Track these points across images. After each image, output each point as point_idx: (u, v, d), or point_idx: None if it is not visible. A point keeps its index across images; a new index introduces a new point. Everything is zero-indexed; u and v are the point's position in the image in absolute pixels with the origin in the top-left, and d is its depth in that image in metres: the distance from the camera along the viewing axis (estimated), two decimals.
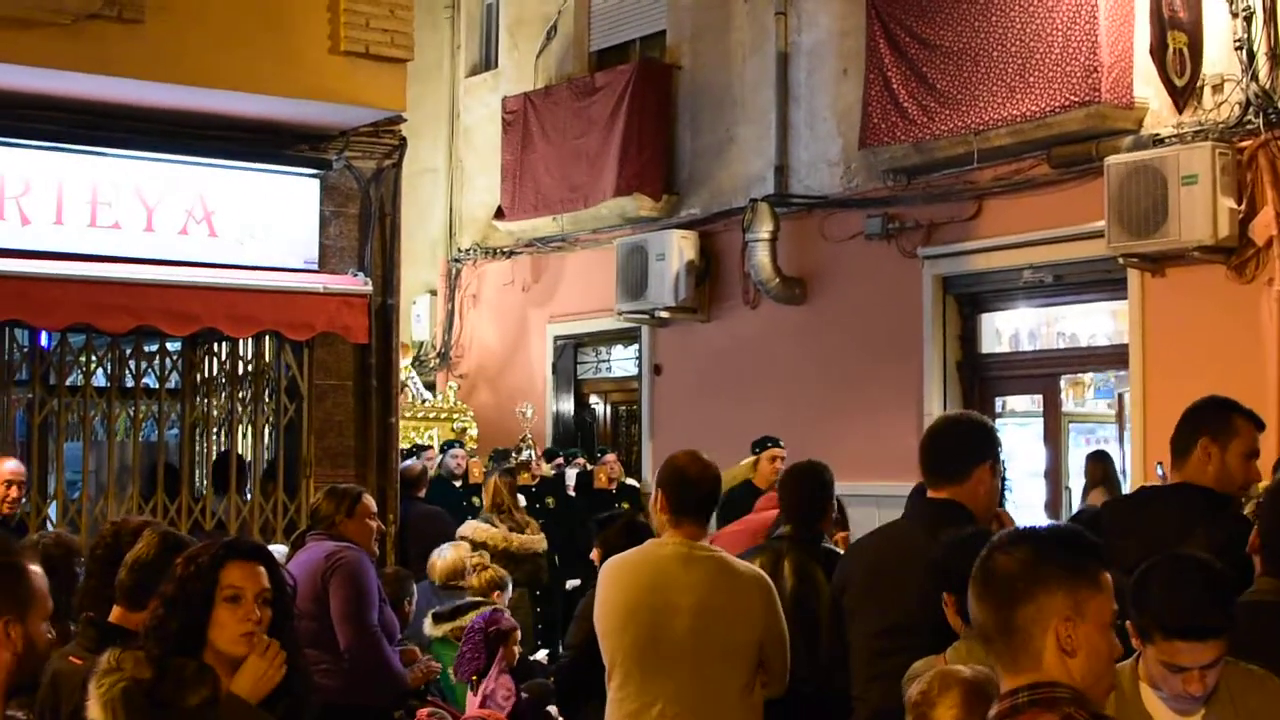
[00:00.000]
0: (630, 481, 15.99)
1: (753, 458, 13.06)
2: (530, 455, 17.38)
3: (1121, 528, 5.73)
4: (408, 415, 19.30)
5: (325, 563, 8.27)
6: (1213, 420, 6.06)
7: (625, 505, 14.93)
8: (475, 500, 15.64)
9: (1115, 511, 6.38)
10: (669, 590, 6.24)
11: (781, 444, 13.35)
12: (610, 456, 16.70)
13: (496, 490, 13.93)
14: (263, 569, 5.07)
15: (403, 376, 20.02)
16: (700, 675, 6.19)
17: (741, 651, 6.23)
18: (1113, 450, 14.72)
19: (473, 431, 19.74)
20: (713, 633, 6.20)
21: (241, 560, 5.04)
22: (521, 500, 14.95)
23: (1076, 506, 14.11)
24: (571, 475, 16.60)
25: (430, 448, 17.79)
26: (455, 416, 19.98)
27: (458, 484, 16.38)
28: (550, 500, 15.70)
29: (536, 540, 13.80)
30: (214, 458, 12.99)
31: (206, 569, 5.00)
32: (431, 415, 19.84)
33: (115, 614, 5.53)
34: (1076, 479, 15.13)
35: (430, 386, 20.71)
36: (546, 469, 16.68)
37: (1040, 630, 3.54)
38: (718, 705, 6.22)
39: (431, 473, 16.23)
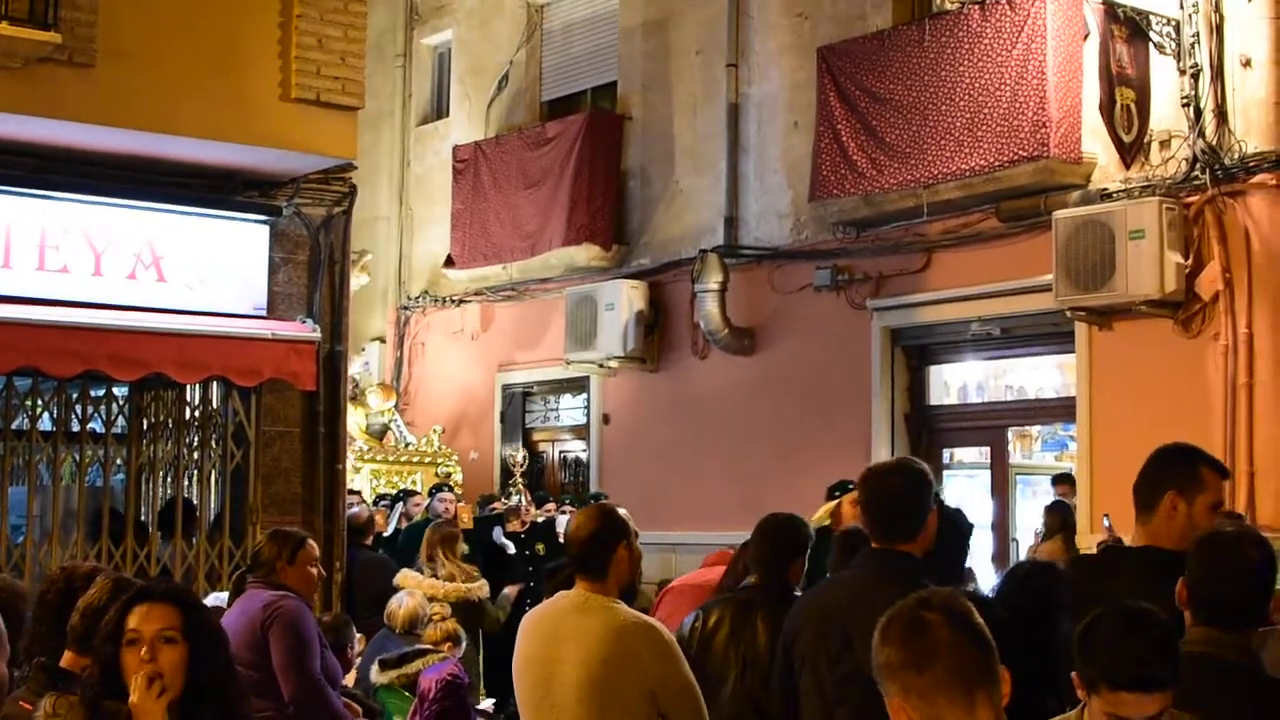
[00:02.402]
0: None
1: (832, 503, 12.25)
2: (520, 501, 17.22)
3: (1089, 592, 5.66)
4: (391, 460, 19.28)
5: (263, 613, 8.17)
6: (1179, 474, 5.99)
7: None
8: (464, 547, 15.44)
9: (1081, 572, 6.31)
10: (561, 641, 6.19)
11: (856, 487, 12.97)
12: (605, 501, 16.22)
13: (429, 543, 13.82)
14: (170, 608, 5.05)
15: (385, 420, 19.92)
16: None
17: (630, 703, 6.16)
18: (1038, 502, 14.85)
19: (457, 476, 19.47)
20: (600, 683, 6.11)
21: (145, 603, 5.04)
22: (511, 547, 15.05)
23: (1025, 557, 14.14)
24: (562, 521, 16.44)
25: (417, 493, 17.52)
26: (440, 460, 19.73)
27: None
28: (540, 547, 15.53)
29: (476, 588, 13.64)
30: (161, 503, 12.91)
31: (116, 615, 5.01)
32: (415, 459, 19.61)
33: (66, 659, 5.50)
34: (1024, 531, 15.19)
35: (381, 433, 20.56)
36: (536, 514, 16.54)
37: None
38: None
39: (419, 517, 16.05)
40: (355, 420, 19.58)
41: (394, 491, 17.90)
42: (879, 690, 5.18)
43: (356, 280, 19.70)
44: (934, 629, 3.74)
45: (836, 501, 11.99)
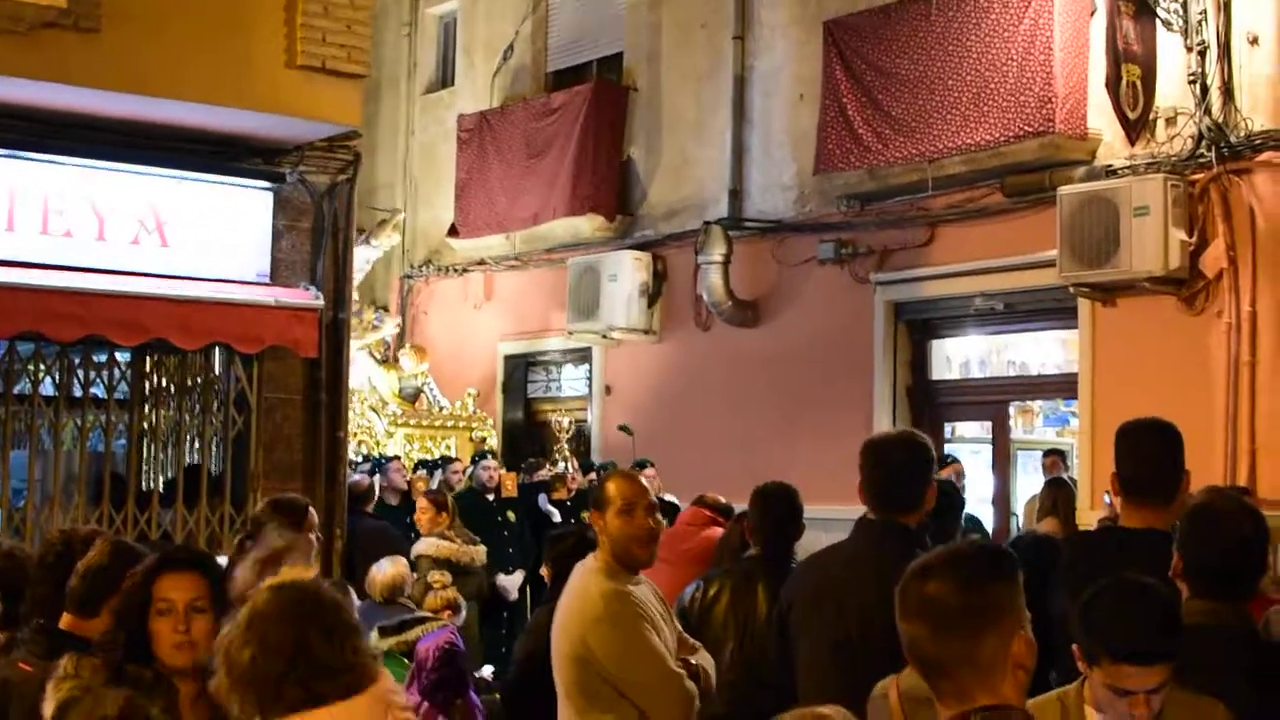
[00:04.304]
0: (669, 497, 15.38)
1: None
2: (566, 468, 17.05)
3: (1090, 568, 5.60)
4: (425, 424, 19.10)
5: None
6: (1182, 458, 5.97)
7: (666, 522, 14.21)
8: (510, 514, 15.27)
9: (1083, 550, 6.27)
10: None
11: (958, 460, 12.64)
12: (650, 470, 15.46)
13: (422, 509, 13.77)
14: (198, 577, 5.08)
15: (418, 383, 19.76)
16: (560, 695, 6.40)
17: (561, 667, 6.34)
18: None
19: (493, 441, 19.23)
20: (554, 647, 6.39)
21: (174, 571, 5.06)
22: (557, 515, 15.00)
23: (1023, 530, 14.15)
24: None
25: (457, 460, 17.21)
26: (474, 425, 19.55)
27: (490, 497, 15.57)
28: (586, 515, 15.39)
29: (478, 552, 13.64)
30: (170, 472, 12.92)
31: (141, 582, 5.04)
32: (449, 424, 19.38)
33: (66, 621, 5.51)
34: (1024, 505, 15.18)
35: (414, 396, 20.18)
36: (582, 481, 16.40)
37: (1004, 655, 3.54)
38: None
39: (461, 485, 15.87)
40: (388, 384, 19.49)
41: (429, 459, 17.64)
42: (871, 658, 5.20)
43: (387, 240, 19.67)
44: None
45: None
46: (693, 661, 6.49)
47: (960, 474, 12.20)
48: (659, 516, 6.51)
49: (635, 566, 6.40)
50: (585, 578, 6.37)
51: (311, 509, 8.57)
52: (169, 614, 5.01)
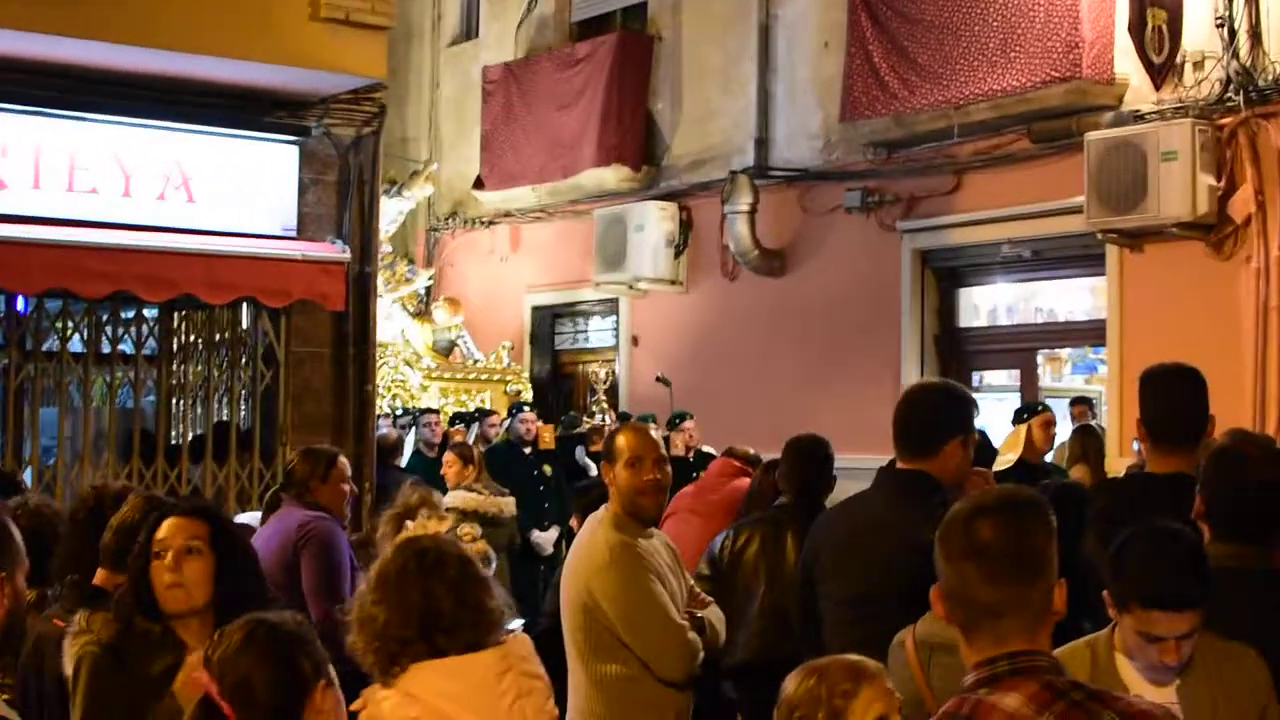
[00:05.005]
0: (707, 449, 15.15)
1: (1020, 427, 11.71)
2: (605, 420, 16.96)
3: (1118, 514, 5.59)
4: (459, 377, 19.04)
5: (298, 533, 8.20)
6: (1206, 396, 5.96)
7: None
8: (546, 468, 15.13)
9: (1111, 496, 6.26)
10: None
11: (1049, 408, 12.11)
12: (689, 423, 15.58)
13: (449, 463, 13.77)
14: (197, 521, 5.08)
15: (452, 335, 19.71)
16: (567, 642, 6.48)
17: (571, 617, 6.41)
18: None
19: (528, 395, 19.06)
20: (563, 594, 6.48)
21: (172, 517, 5.07)
22: (594, 469, 14.69)
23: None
24: None
25: (494, 413, 17.07)
26: (509, 379, 19.50)
27: (526, 450, 15.42)
28: None
29: (507, 503, 13.66)
30: (199, 427, 12.96)
31: (145, 534, 5.06)
32: (483, 377, 19.30)
33: (99, 577, 5.53)
34: (1054, 453, 15.14)
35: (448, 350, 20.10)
36: None
37: (1049, 599, 3.54)
38: (572, 672, 6.43)
39: (499, 437, 15.81)
40: (421, 337, 19.45)
41: (464, 411, 17.57)
42: (894, 608, 5.20)
43: (421, 190, 19.62)
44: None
45: (1025, 425, 11.65)
46: (699, 614, 6.53)
47: (1050, 423, 11.82)
48: (667, 469, 6.54)
49: (643, 518, 6.46)
50: (593, 529, 6.46)
51: (342, 458, 8.62)
52: (162, 556, 5.01)
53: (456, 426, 16.35)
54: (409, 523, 6.16)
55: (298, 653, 3.96)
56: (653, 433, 6.75)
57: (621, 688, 6.30)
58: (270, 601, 5.18)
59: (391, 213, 18.49)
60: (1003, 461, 11.20)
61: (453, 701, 4.49)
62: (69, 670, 4.92)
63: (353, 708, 4.52)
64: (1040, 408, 11.82)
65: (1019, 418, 11.72)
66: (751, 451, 10.70)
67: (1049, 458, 13.98)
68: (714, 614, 6.66)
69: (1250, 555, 5.00)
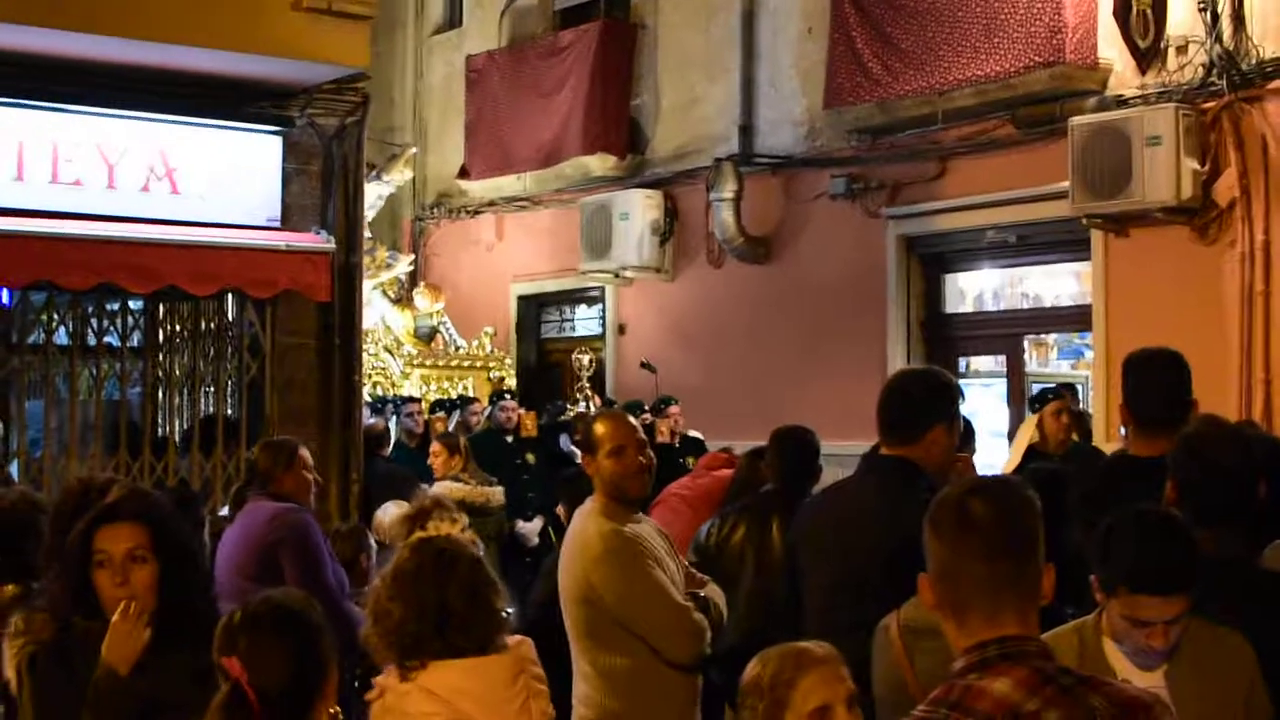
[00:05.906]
0: (694, 434, 15.33)
1: (1033, 417, 11.36)
2: (589, 407, 16.83)
3: (1101, 499, 5.60)
4: (441, 364, 18.92)
5: (269, 527, 8.24)
6: (1188, 381, 5.98)
7: (691, 460, 13.85)
8: (529, 456, 15.08)
9: (1093, 480, 6.27)
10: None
11: (1063, 395, 11.65)
12: (674, 409, 15.45)
13: (435, 453, 13.77)
14: (138, 526, 5.06)
15: (433, 322, 19.62)
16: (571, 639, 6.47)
17: (573, 613, 6.41)
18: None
19: (511, 382, 18.99)
20: (561, 588, 6.49)
21: (110, 524, 5.05)
22: (579, 456, 14.57)
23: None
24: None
25: (476, 400, 16.95)
26: (492, 365, 19.33)
27: (509, 438, 15.40)
28: None
29: (494, 493, 13.66)
30: (185, 419, 12.95)
31: (81, 537, 5.05)
32: (465, 364, 19.12)
33: None
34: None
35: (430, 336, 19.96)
36: None
37: (1039, 580, 3.55)
38: (577, 665, 6.44)
39: (480, 426, 15.74)
40: (402, 323, 19.38)
41: (444, 399, 17.42)
42: (877, 595, 5.20)
43: (400, 175, 19.51)
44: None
45: (1037, 415, 11.32)
46: (701, 594, 6.52)
47: (1061, 410, 11.61)
48: (650, 452, 6.54)
49: (632, 502, 6.46)
50: (584, 520, 6.44)
51: (303, 449, 8.65)
52: (107, 566, 4.99)
53: (437, 414, 16.25)
54: (423, 524, 6.21)
55: (319, 641, 4.12)
56: (630, 418, 6.74)
57: (630, 678, 6.31)
58: (213, 603, 5.22)
59: (371, 197, 18.42)
60: (1015, 451, 11.11)
61: (470, 700, 4.69)
62: (10, 674, 4.91)
63: (368, 697, 4.79)
64: (1051, 395, 11.52)
65: (1032, 407, 11.56)
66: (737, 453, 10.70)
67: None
68: (714, 591, 6.66)
69: (1221, 540, 5.01)
